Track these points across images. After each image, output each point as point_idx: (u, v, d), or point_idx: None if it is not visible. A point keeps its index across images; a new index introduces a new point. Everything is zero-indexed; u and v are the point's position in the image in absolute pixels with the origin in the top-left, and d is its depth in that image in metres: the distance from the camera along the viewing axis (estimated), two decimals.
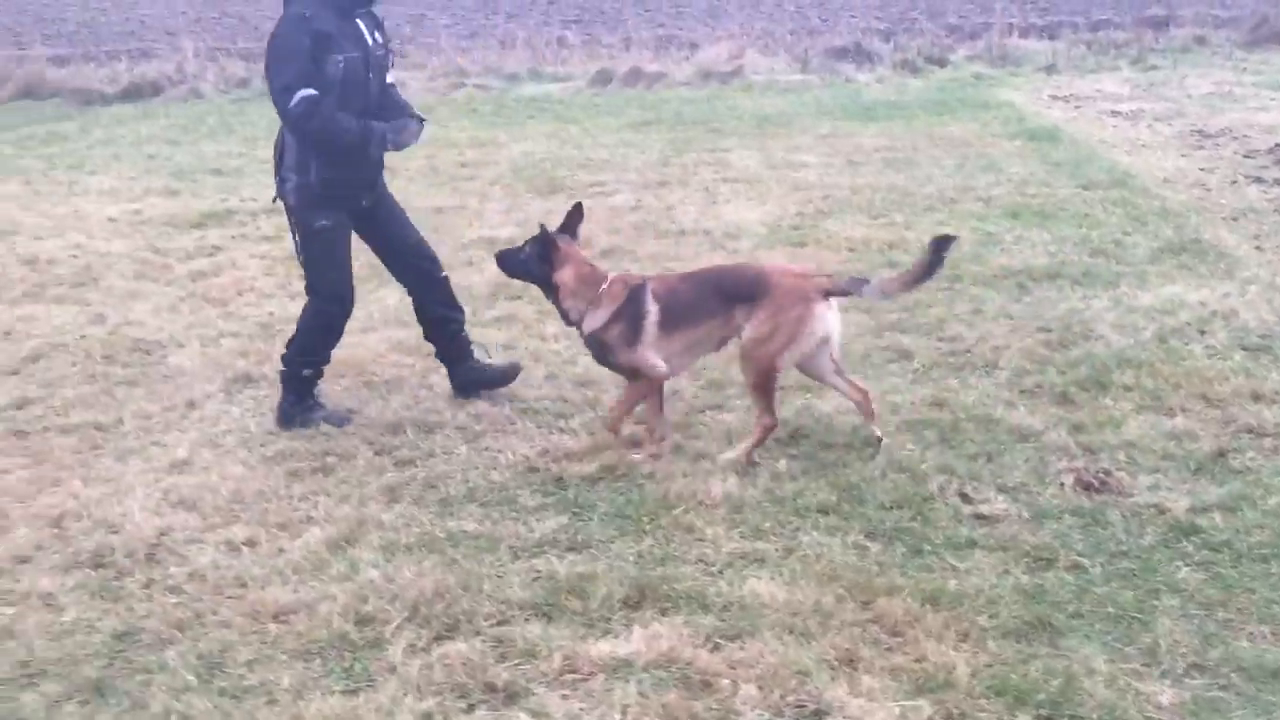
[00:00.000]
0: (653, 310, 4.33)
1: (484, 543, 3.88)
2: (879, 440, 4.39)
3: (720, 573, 3.64)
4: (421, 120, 4.84)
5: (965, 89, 14.66)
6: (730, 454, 4.35)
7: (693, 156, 10.56)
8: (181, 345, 5.94)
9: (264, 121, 13.03)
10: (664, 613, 3.42)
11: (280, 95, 4.51)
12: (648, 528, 3.92)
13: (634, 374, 4.42)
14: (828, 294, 4.33)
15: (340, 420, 4.90)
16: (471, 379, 5.10)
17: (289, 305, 6.48)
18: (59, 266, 7.43)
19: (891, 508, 4.00)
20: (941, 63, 16.44)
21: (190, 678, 3.22)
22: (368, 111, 4.70)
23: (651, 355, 4.34)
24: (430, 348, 5.24)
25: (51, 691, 3.19)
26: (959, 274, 6.44)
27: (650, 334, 4.33)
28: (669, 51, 16.99)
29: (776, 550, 3.75)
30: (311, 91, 4.45)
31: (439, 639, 3.35)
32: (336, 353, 5.07)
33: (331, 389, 5.19)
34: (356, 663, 3.26)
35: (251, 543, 3.96)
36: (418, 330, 5.28)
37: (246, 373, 5.50)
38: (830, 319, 4.32)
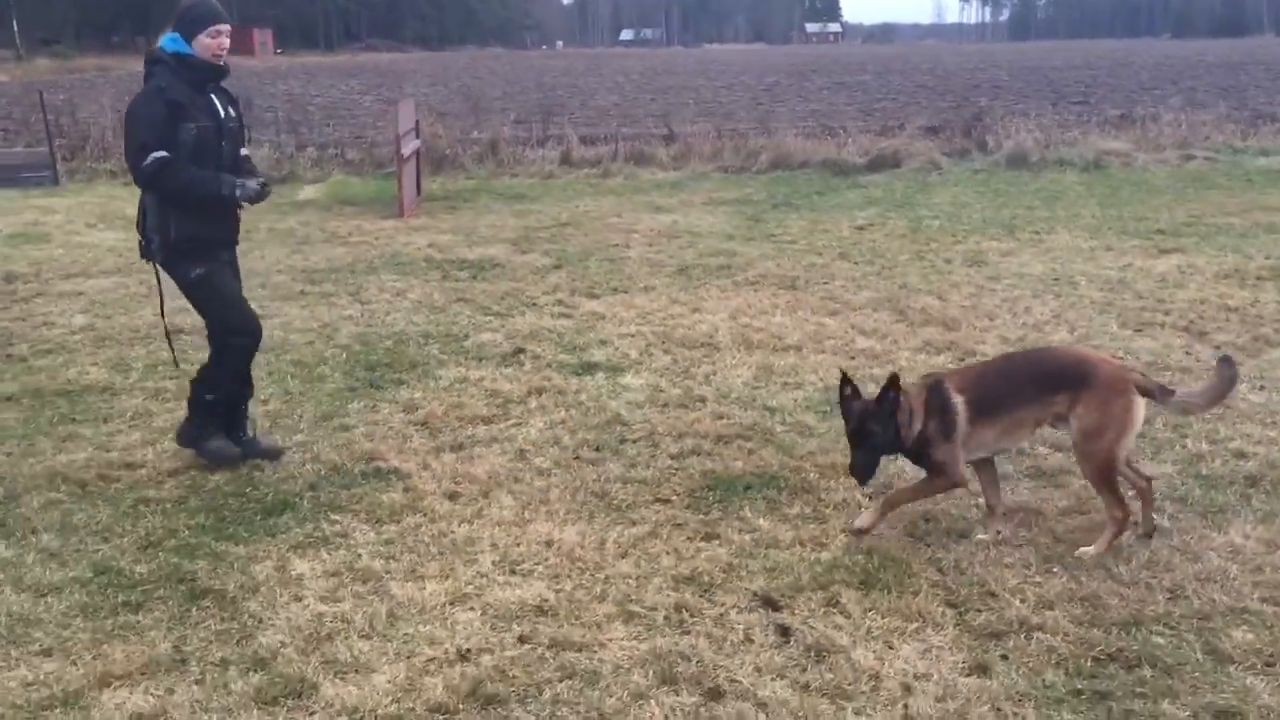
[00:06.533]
0: (959, 402, 4.27)
1: None
2: (1153, 530, 4.37)
3: None
4: (265, 185, 5.16)
5: None
6: (1090, 549, 4.25)
7: None
8: None
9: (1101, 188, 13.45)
10: None
11: (135, 156, 4.89)
12: None
13: (939, 470, 4.35)
14: (1142, 390, 4.23)
15: (226, 457, 5.26)
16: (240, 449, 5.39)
17: None
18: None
19: None
20: None
21: None
22: None
23: (960, 456, 4.31)
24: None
25: None
26: None
27: (962, 428, 4.26)
28: None
29: None
30: (164, 153, 4.84)
31: None
32: None
33: None
34: None
35: None
36: None
37: None
38: (1142, 413, 4.25)
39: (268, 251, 10.64)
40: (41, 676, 3.60)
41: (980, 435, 4.31)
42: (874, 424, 4.25)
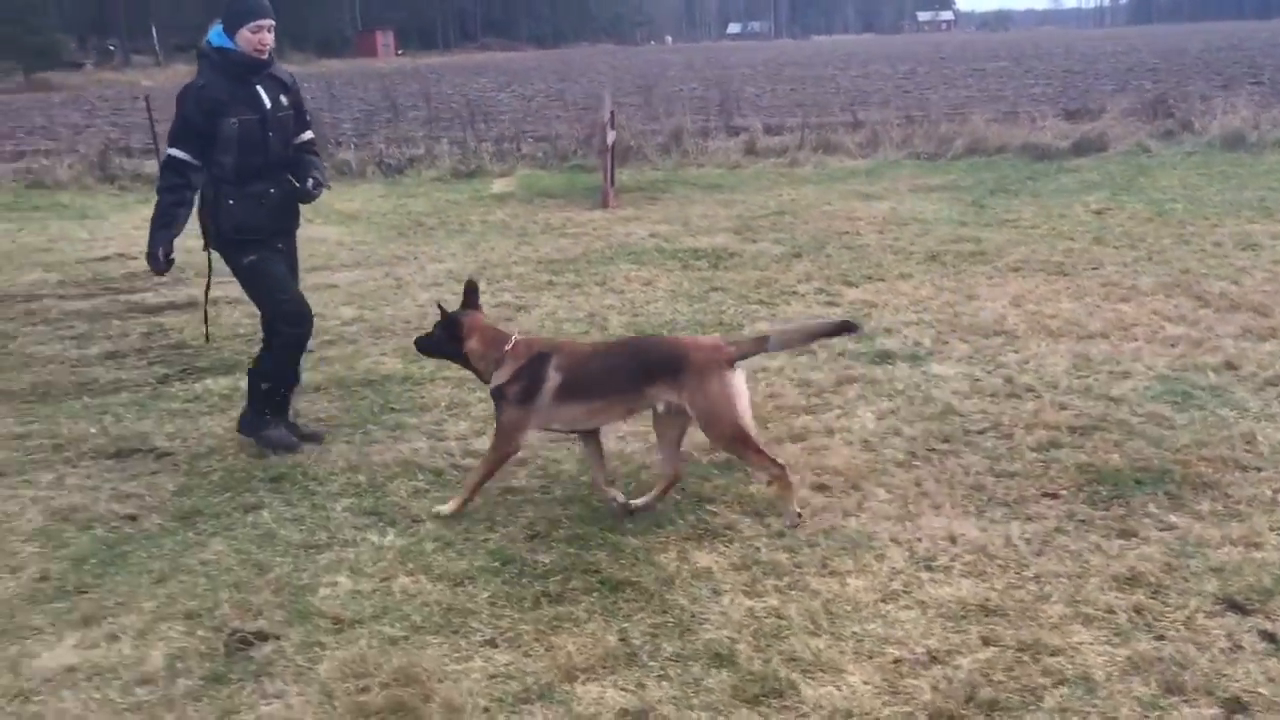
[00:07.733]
0: (553, 378, 4.35)
1: None
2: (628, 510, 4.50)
3: None
4: (316, 186, 5.12)
5: None
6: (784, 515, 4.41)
7: None
8: None
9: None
10: None
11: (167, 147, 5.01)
12: None
13: (499, 431, 4.50)
14: (741, 357, 4.36)
15: (285, 446, 5.19)
16: None
17: None
18: None
19: None
20: None
21: None
22: (269, 167, 5.06)
23: (524, 425, 4.45)
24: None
25: None
26: None
27: (544, 400, 4.36)
28: None
29: None
30: (178, 153, 4.92)
31: None
32: None
33: None
34: None
35: None
36: None
37: None
38: (742, 382, 4.34)
39: (494, 244, 10.64)
40: (502, 669, 3.49)
41: (566, 412, 4.44)
42: (438, 329, 4.60)
